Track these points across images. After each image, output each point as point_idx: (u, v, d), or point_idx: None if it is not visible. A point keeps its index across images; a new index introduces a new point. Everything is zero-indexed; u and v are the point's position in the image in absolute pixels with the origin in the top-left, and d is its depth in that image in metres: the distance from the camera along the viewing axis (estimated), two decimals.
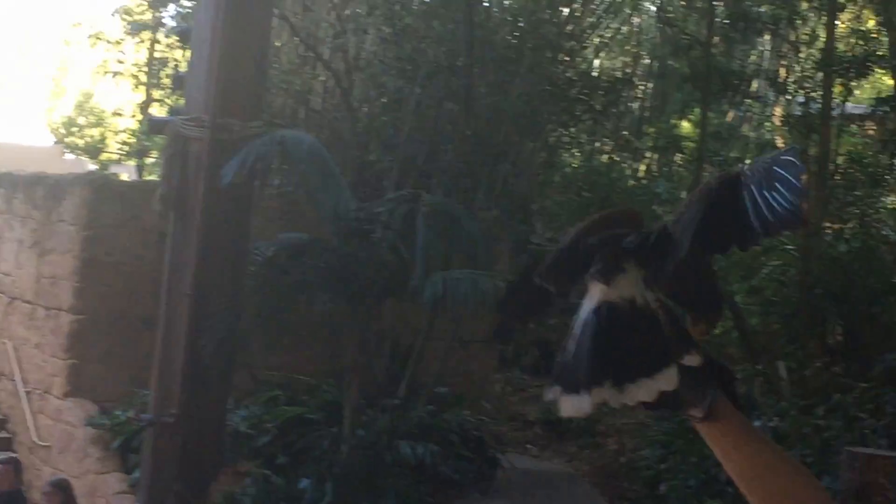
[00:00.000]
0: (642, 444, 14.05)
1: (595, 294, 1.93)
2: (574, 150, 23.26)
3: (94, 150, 28.82)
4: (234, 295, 10.94)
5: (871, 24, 16.13)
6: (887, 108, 12.26)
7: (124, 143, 26.15)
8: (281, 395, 12.95)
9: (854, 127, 18.38)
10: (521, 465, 14.07)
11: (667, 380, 1.84)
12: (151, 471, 11.11)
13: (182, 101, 13.00)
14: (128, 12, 22.08)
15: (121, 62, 22.59)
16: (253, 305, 10.94)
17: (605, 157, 25.16)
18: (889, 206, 16.85)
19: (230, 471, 11.43)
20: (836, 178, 15.75)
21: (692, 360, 1.86)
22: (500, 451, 13.89)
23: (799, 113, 15.27)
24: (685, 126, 25.65)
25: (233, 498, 10.51)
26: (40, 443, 13.60)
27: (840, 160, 15.94)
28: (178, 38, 18.56)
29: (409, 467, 11.79)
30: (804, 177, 1.76)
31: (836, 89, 15.29)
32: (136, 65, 22.73)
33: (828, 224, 15.79)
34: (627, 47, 26.36)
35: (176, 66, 19.87)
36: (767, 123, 22.47)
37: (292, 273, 11.46)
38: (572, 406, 1.87)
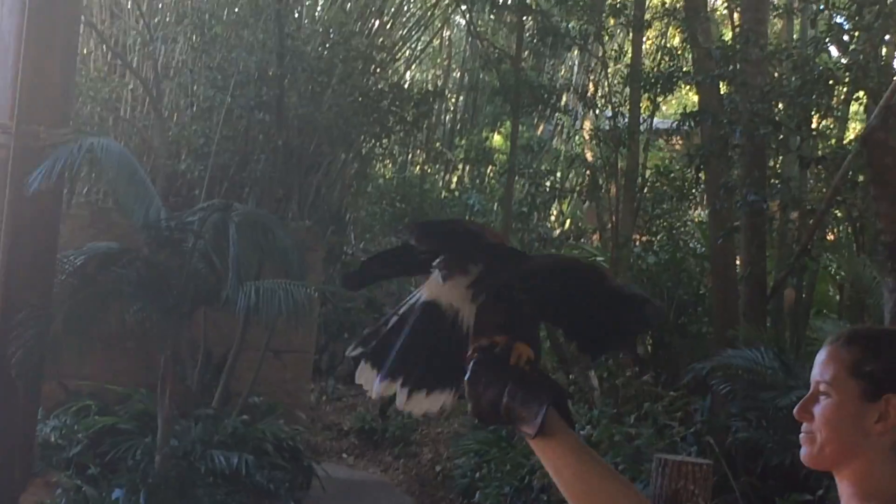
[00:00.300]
0: (457, 453, 14.18)
1: (432, 287, 2.04)
2: (387, 162, 23.42)
3: None
4: (43, 304, 10.74)
5: (677, 41, 16.62)
6: (692, 123, 12.66)
7: None
8: (92, 405, 12.75)
9: (661, 141, 18.93)
10: (336, 475, 14.09)
11: (436, 403, 1.98)
12: None
13: None
14: None
15: None
16: (62, 315, 10.75)
17: (417, 169, 25.37)
18: (696, 220, 17.37)
19: (40, 482, 11.20)
20: (644, 191, 16.16)
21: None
22: (315, 461, 13.90)
23: (607, 127, 15.64)
24: (496, 139, 26.03)
25: None
26: None
27: (648, 174, 16.36)
28: None
29: (224, 477, 11.71)
30: None
31: (644, 104, 15.72)
32: None
33: (637, 236, 16.21)
34: (438, 60, 26.68)
35: None
36: (577, 137, 22.98)
37: (102, 282, 11.31)
38: (367, 382, 2.01)
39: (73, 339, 11.03)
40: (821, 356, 2.13)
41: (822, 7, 12.05)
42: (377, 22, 18.42)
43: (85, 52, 15.67)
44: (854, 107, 14.56)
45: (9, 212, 10.63)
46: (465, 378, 2.04)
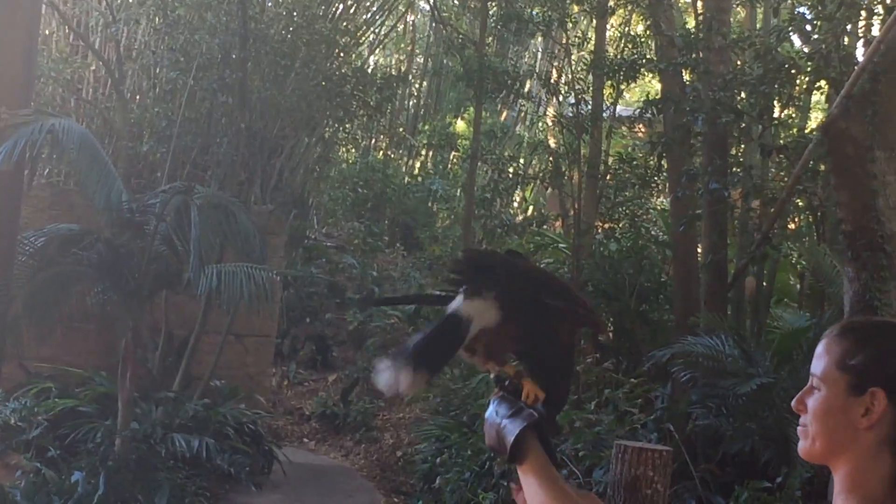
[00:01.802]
0: (418, 439, 14.19)
1: (459, 301, 2.46)
2: (349, 146, 23.39)
3: None
4: (2, 285, 10.67)
5: (640, 28, 16.67)
6: (655, 111, 12.69)
7: None
8: (52, 387, 12.68)
9: (624, 129, 18.97)
10: (297, 459, 14.08)
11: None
12: None
13: None
14: None
15: None
16: (22, 296, 10.68)
17: (380, 154, 25.39)
18: (658, 207, 17.43)
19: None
20: (607, 178, 16.19)
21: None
22: (276, 445, 13.88)
23: (570, 114, 15.65)
24: (459, 124, 26.07)
25: (2, 491, 10.24)
26: None
27: (611, 161, 16.39)
28: None
29: (184, 460, 11.69)
30: None
31: (607, 92, 15.75)
32: None
33: (599, 223, 16.25)
34: (402, 45, 26.68)
35: None
36: (540, 123, 23.03)
37: (63, 264, 11.24)
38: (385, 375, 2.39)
39: (33, 321, 10.96)
40: (818, 349, 2.14)
41: None
42: (341, 6, 18.38)
43: (47, 32, 15.57)
44: (816, 96, 14.63)
45: None
46: (486, 414, 2.46)
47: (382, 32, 22.84)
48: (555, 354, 2.53)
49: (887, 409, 1.98)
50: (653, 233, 16.53)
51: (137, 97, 15.80)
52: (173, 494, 10.81)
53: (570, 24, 16.55)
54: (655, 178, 15.68)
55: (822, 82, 11.33)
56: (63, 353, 13.26)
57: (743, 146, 13.16)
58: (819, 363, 2.11)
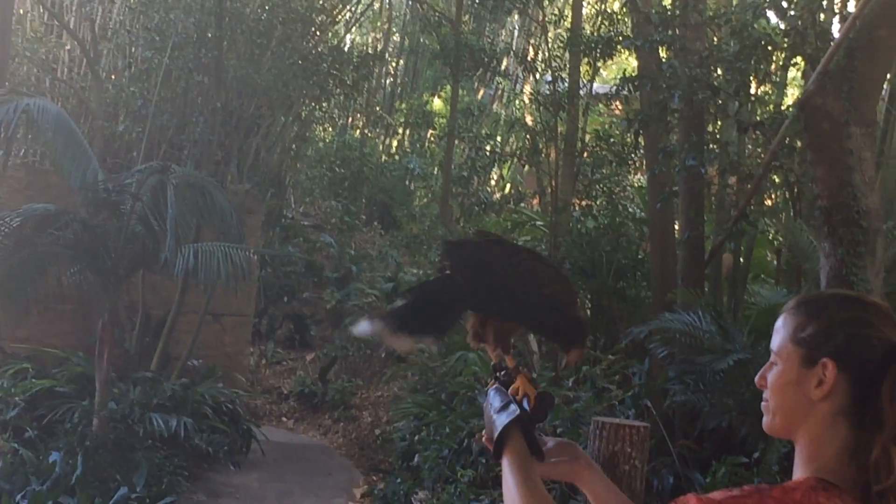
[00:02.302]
0: (397, 417, 14.21)
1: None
2: (326, 125, 23.35)
3: None
4: None
5: (616, 5, 16.63)
6: (632, 88, 12.67)
7: None
8: (29, 368, 12.65)
9: (601, 106, 18.96)
10: (275, 438, 14.10)
11: (413, 344, 2.47)
12: None
13: None
14: None
15: None
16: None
17: (357, 133, 25.33)
18: (635, 185, 17.44)
19: None
20: (584, 155, 16.18)
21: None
22: (254, 424, 13.90)
23: (547, 91, 15.64)
24: (436, 103, 26.04)
25: None
26: None
27: (588, 139, 16.38)
28: None
29: (162, 440, 11.70)
30: None
31: (583, 69, 15.73)
32: None
33: (576, 201, 16.24)
34: (378, 23, 26.60)
35: None
36: (517, 101, 23.01)
37: (39, 244, 11.19)
38: (396, 341, 2.44)
39: (9, 302, 10.92)
40: (776, 324, 2.16)
41: None
42: None
43: (21, 12, 15.47)
44: (792, 72, 14.66)
45: None
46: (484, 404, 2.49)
47: (359, 11, 22.77)
48: (553, 316, 2.49)
49: (839, 380, 1.99)
50: (630, 210, 16.53)
51: (113, 77, 15.71)
52: (151, 474, 10.81)
53: (546, 1, 16.53)
54: (632, 156, 15.68)
55: (799, 58, 11.35)
56: (40, 334, 13.23)
57: (719, 123, 13.17)
58: (776, 338, 2.13)
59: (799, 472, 2.02)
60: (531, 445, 2.31)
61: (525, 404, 2.39)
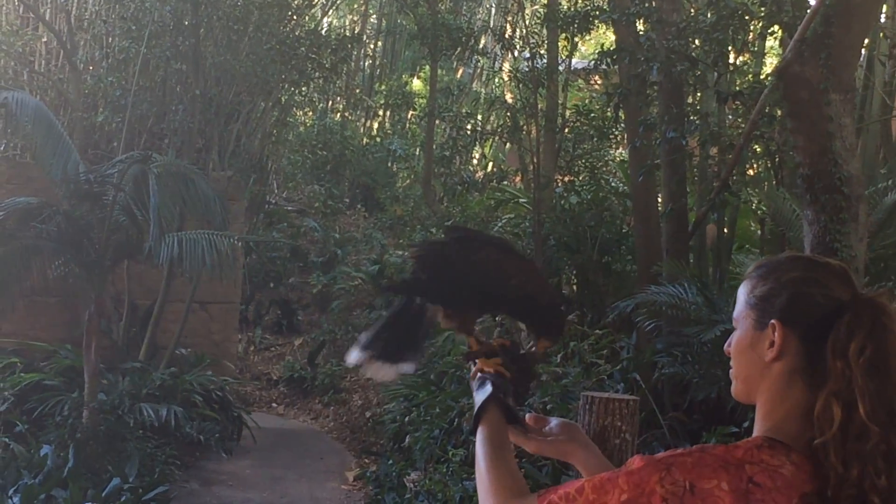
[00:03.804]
0: (387, 399, 14.22)
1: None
2: (307, 109, 23.31)
3: None
4: None
5: None
6: (610, 62, 12.66)
7: None
8: (17, 362, 12.63)
9: (581, 81, 18.97)
10: (266, 424, 14.12)
11: (392, 372, 2.54)
12: None
13: None
14: None
15: None
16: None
17: (337, 116, 25.30)
18: (617, 159, 17.46)
19: None
20: (565, 131, 16.19)
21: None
22: (244, 411, 13.91)
23: (526, 68, 15.63)
24: (416, 83, 26.02)
25: None
26: None
27: (568, 114, 16.38)
28: None
29: (153, 429, 11.69)
30: None
31: (561, 44, 15.73)
32: None
33: (559, 177, 16.25)
34: (355, 5, 26.54)
35: None
36: (496, 79, 23.00)
37: (23, 238, 11.16)
38: (378, 371, 2.52)
39: None
40: (738, 291, 2.19)
41: None
42: None
43: None
44: (770, 41, 14.69)
45: None
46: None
47: None
48: (524, 305, 2.55)
49: (789, 340, 2.03)
50: (613, 184, 16.56)
51: (90, 68, 15.64)
52: (143, 464, 10.81)
53: None
54: (613, 130, 15.71)
55: (776, 27, 11.34)
56: (27, 328, 13.21)
57: (699, 94, 13.20)
58: (736, 305, 2.17)
59: (755, 433, 2.04)
60: (509, 417, 2.36)
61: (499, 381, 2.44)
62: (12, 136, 14.48)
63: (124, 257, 12.37)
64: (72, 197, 11.47)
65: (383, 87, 25.23)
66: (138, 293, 14.16)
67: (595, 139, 15.99)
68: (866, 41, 11.16)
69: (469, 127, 18.33)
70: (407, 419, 12.53)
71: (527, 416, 2.56)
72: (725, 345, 2.18)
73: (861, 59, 11.61)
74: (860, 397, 1.90)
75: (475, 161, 23.82)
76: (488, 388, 2.40)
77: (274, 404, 16.51)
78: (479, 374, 2.47)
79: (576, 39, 15.47)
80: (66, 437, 10.87)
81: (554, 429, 2.53)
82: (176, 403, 12.24)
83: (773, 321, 2.04)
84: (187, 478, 11.65)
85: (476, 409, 2.35)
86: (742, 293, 2.15)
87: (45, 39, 15.62)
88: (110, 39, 15.27)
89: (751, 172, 14.41)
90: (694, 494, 1.86)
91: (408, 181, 23.46)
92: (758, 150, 12.91)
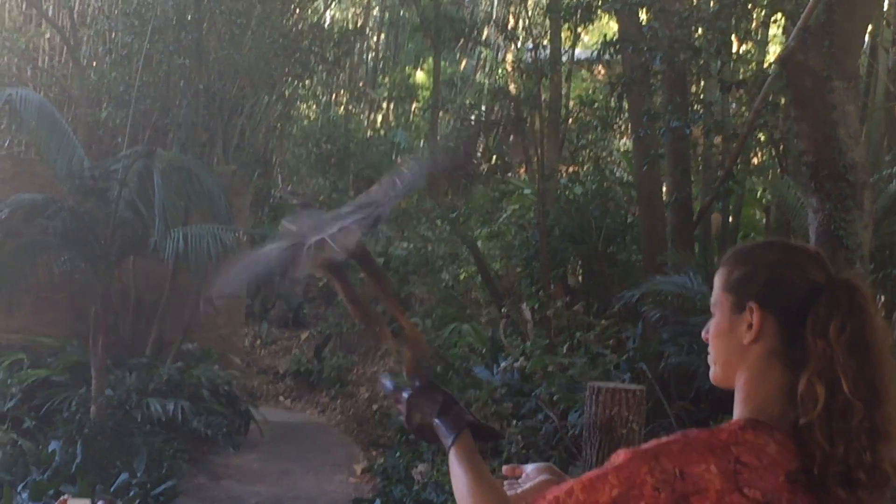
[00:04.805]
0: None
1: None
2: (310, 102, 23.29)
3: None
4: None
5: None
6: (613, 52, 12.65)
7: None
8: (25, 358, 12.64)
9: (584, 72, 18.96)
10: (273, 418, 14.13)
11: None
12: None
13: None
14: None
15: None
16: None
17: (341, 109, 25.27)
18: (621, 149, 17.44)
19: None
20: (568, 122, 16.17)
21: None
22: (252, 405, 13.93)
23: (529, 59, 15.62)
24: (419, 75, 25.98)
25: None
26: None
27: (571, 105, 16.37)
28: None
29: (160, 424, 11.71)
30: None
31: (564, 35, 15.72)
32: None
33: (563, 167, 16.25)
34: None
35: None
36: (500, 70, 22.98)
37: (28, 234, 11.18)
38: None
39: (1, 293, 10.92)
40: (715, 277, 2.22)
41: None
42: None
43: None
44: (773, 29, 14.67)
45: None
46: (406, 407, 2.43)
47: None
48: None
49: (767, 322, 2.06)
50: (617, 174, 16.55)
51: (94, 63, 15.63)
52: (151, 458, 10.83)
53: None
54: (617, 120, 15.70)
55: (779, 15, 11.36)
56: (33, 324, 13.21)
57: (702, 83, 13.19)
58: (714, 290, 2.19)
59: (735, 415, 2.06)
60: (479, 433, 2.35)
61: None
62: (16, 133, 14.48)
63: (130, 252, 12.39)
64: (77, 193, 11.49)
65: (387, 79, 25.18)
66: (144, 288, 14.16)
67: (599, 129, 15.98)
68: (869, 28, 11.14)
69: (473, 118, 18.32)
70: None
71: (503, 468, 2.56)
72: (703, 331, 2.19)
73: (864, 46, 11.58)
74: (843, 375, 1.93)
75: (479, 153, 23.80)
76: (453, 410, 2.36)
77: (281, 398, 16.54)
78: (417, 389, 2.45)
79: (578, 30, 15.45)
80: (73, 432, 10.89)
81: (531, 474, 2.51)
82: (183, 398, 12.26)
83: (750, 304, 2.06)
84: (195, 472, 11.68)
85: (446, 431, 2.32)
86: (719, 279, 2.17)
87: (48, 36, 15.62)
88: (113, 35, 15.25)
89: (755, 161, 14.42)
90: (684, 480, 1.88)
91: None
92: (762, 138, 12.91)
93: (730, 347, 2.10)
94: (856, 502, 1.94)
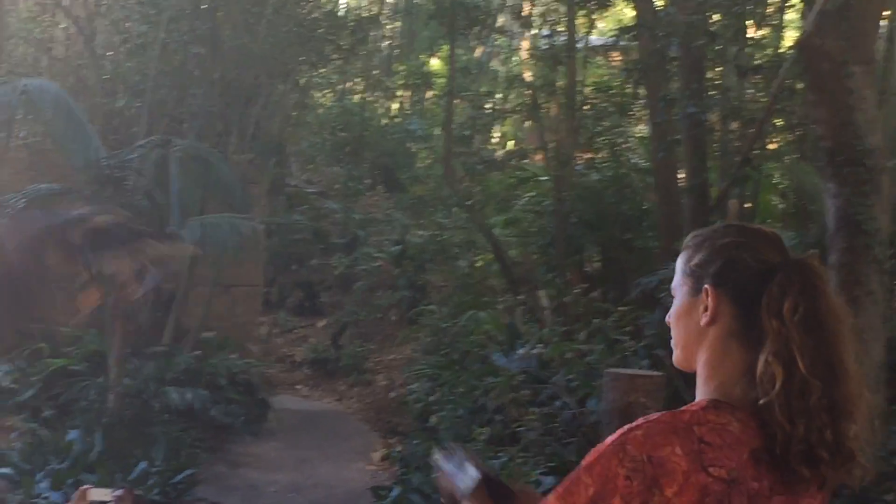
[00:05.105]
0: (411, 379, 14.24)
1: None
2: (326, 91, 23.29)
3: None
4: None
5: None
6: (629, 38, 12.63)
7: None
8: (44, 348, 12.68)
9: (600, 58, 18.89)
10: (291, 406, 14.17)
11: None
12: None
13: None
14: None
15: None
16: (7, 259, 10.64)
17: (357, 97, 25.27)
18: (637, 135, 17.39)
19: None
20: (584, 108, 16.12)
21: None
22: (269, 393, 13.96)
23: (545, 46, 15.58)
24: (434, 63, 25.95)
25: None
26: None
27: (587, 91, 16.31)
28: None
29: (179, 413, 11.74)
30: None
31: (580, 21, 15.65)
32: None
33: (579, 154, 16.20)
34: None
35: None
36: (515, 57, 22.93)
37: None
38: None
39: (22, 283, 10.96)
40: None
41: None
42: None
43: None
44: (789, 14, 14.59)
45: None
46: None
47: None
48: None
49: (722, 303, 2.08)
50: (633, 161, 16.50)
51: (109, 53, 15.66)
52: (170, 447, 10.85)
53: None
54: (633, 106, 15.64)
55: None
56: (52, 313, 13.23)
57: (719, 68, 13.14)
58: (675, 275, 2.22)
59: (698, 397, 2.08)
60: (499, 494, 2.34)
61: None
62: (33, 124, 14.51)
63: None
64: (93, 183, 11.50)
65: (402, 67, 25.17)
66: (162, 277, 14.18)
67: (615, 116, 15.91)
68: (886, 12, 11.08)
69: (488, 106, 18.28)
70: (432, 399, 12.54)
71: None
72: (666, 316, 2.22)
73: (881, 30, 11.52)
74: (798, 354, 1.95)
75: (495, 140, 23.76)
76: (471, 472, 2.36)
77: (298, 386, 16.55)
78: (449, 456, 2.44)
79: (594, 16, 15.39)
80: (92, 421, 10.92)
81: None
82: (201, 387, 12.29)
83: (706, 286, 2.09)
84: (214, 461, 11.70)
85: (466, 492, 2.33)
86: (679, 263, 2.21)
87: (63, 26, 15.66)
88: (128, 24, 15.28)
89: (772, 146, 14.34)
90: (653, 464, 1.90)
91: (428, 161, 23.41)
92: (779, 123, 12.86)
93: (689, 330, 2.13)
94: (820, 479, 1.98)
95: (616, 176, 15.07)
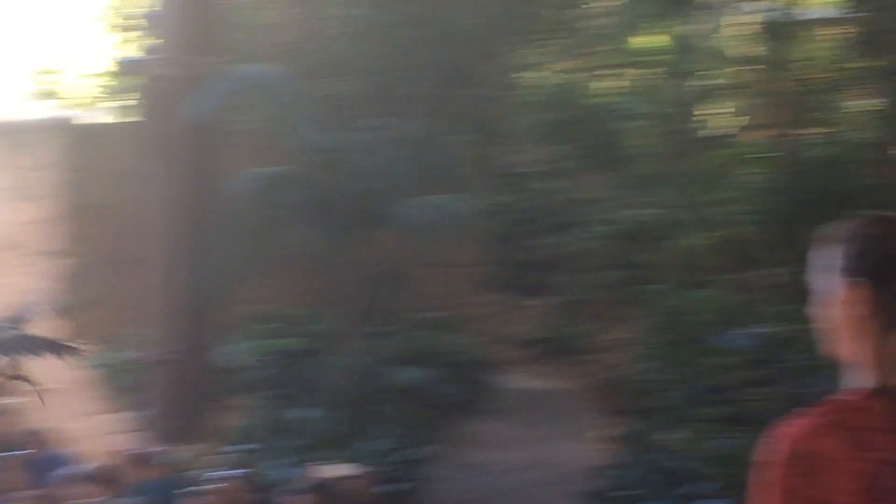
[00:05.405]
0: (634, 359, 14.13)
1: None
2: (542, 69, 23.22)
3: (66, 95, 28.36)
4: (218, 231, 10.99)
5: None
6: (865, 8, 12.24)
7: (97, 86, 25.72)
8: (271, 328, 12.97)
9: (820, 31, 18.34)
10: (514, 385, 14.17)
11: None
12: (162, 407, 11.31)
13: (151, 42, 12.92)
14: None
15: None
16: (234, 241, 10.96)
17: (571, 76, 25.14)
18: (860, 109, 16.86)
19: (226, 404, 11.52)
20: (809, 82, 15.72)
21: None
22: (492, 373, 13.98)
23: (768, 20, 15.23)
24: (652, 39, 25.64)
25: (230, 430, 10.59)
26: (46, 385, 13.58)
27: (809, 65, 15.90)
28: None
29: (406, 392, 11.87)
30: None
31: None
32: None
33: (803, 130, 15.81)
34: None
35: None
36: (738, 32, 22.49)
37: (269, 207, 11.46)
38: None
39: (247, 264, 11.26)
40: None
41: None
42: None
43: None
44: None
45: (184, 141, 10.86)
46: None
47: None
48: None
49: (876, 296, 2.06)
50: (861, 136, 15.98)
51: (329, 37, 15.87)
52: (399, 426, 10.98)
53: None
54: (861, 80, 15.16)
55: None
56: (275, 294, 13.52)
57: None
58: (816, 266, 2.22)
59: (848, 386, 2.07)
60: None
61: None
62: (254, 108, 14.82)
63: (366, 223, 12.54)
64: (314, 166, 11.68)
65: (619, 44, 24.93)
66: (382, 259, 14.35)
67: (839, 91, 15.45)
68: None
69: (708, 82, 17.93)
70: (657, 379, 12.41)
71: None
72: (812, 307, 2.21)
73: None
74: None
75: (716, 117, 23.36)
76: None
77: (520, 365, 16.53)
78: None
79: None
80: (323, 400, 11.11)
81: None
82: (426, 366, 12.38)
83: (855, 277, 2.07)
84: (441, 439, 11.79)
85: None
86: (823, 254, 2.17)
87: (284, 11, 15.95)
88: (349, 8, 15.46)
89: None
90: (812, 456, 1.93)
91: (646, 139, 23.14)
92: None
93: (842, 322, 2.10)
94: None
95: (842, 151, 14.63)
